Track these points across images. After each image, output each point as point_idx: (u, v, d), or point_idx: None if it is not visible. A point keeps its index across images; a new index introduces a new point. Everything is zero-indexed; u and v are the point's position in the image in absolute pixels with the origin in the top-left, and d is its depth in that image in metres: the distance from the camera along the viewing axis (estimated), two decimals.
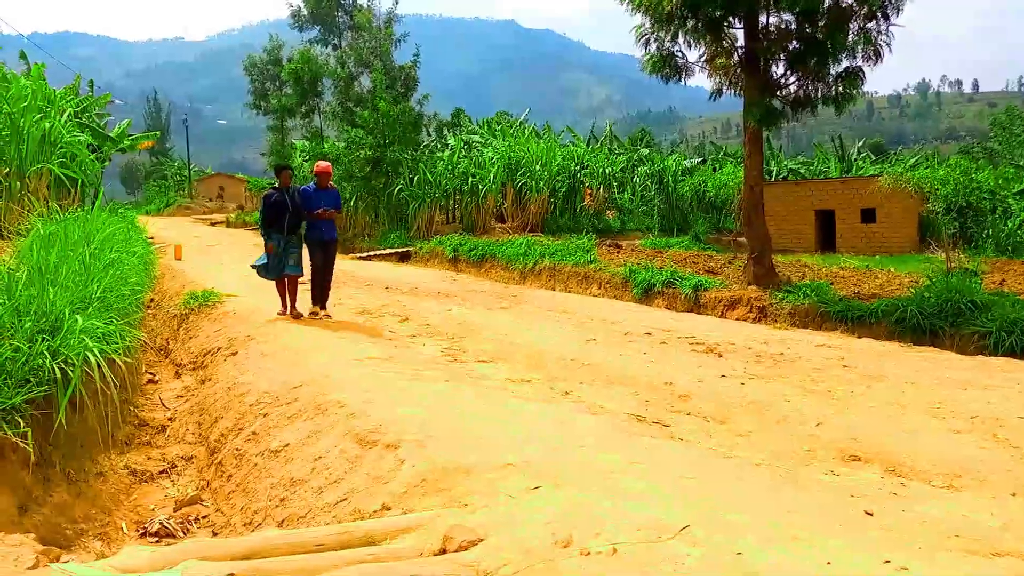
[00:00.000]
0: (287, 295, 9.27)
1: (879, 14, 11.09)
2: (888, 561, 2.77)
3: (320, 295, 9.33)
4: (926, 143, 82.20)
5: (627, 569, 2.65)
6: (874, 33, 11.21)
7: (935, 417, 5.56)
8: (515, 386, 6.37)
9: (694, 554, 2.75)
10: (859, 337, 9.38)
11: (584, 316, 10.73)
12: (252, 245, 23.77)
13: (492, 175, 23.52)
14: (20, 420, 3.91)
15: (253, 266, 9.33)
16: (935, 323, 9.07)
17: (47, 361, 4.30)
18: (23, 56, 25.92)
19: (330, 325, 8.95)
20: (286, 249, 9.07)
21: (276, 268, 9.11)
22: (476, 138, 29.10)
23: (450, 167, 24.07)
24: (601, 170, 27.09)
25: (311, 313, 9.21)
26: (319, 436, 4.81)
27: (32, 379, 4.19)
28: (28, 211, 9.81)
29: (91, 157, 15.56)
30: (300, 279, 9.38)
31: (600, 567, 2.67)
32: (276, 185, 9.37)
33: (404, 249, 21.08)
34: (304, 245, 9.26)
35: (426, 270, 18.33)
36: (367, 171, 23.72)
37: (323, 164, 9.45)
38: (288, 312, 9.22)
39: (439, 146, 27.55)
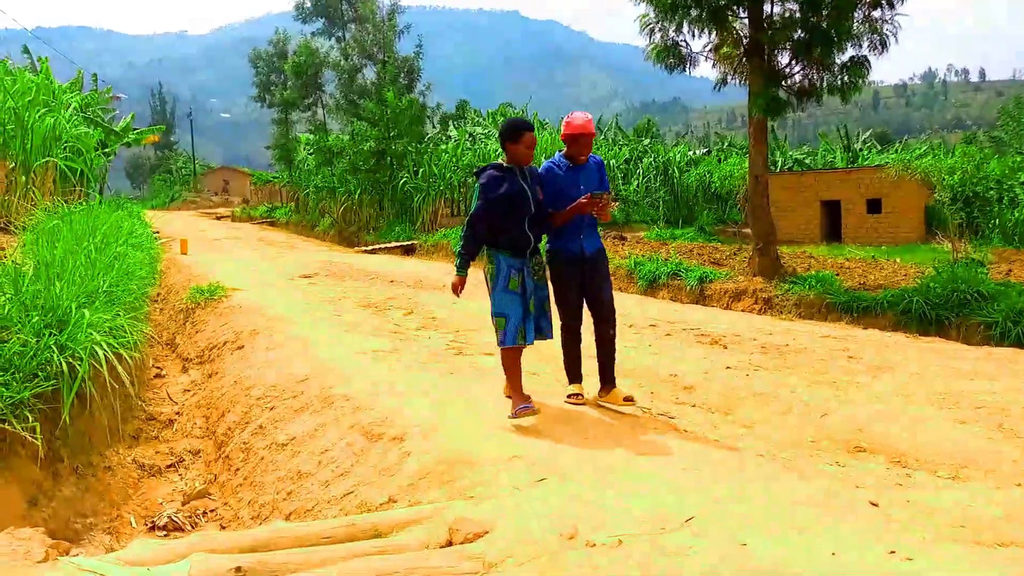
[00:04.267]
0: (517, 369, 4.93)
1: (884, 2, 11.02)
2: (893, 551, 2.78)
3: (609, 362, 5.25)
4: (932, 133, 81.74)
5: (632, 561, 2.66)
6: (879, 22, 11.15)
7: (941, 407, 5.55)
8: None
9: (699, 545, 2.75)
10: (865, 328, 9.36)
11: None
12: (257, 239, 23.89)
13: None
14: (28, 414, 3.94)
15: (495, 317, 4.92)
16: (941, 313, 9.05)
17: (54, 355, 4.32)
18: (26, 50, 26.03)
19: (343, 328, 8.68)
20: (535, 288, 4.89)
21: (525, 323, 4.81)
22: (479, 130, 29.05)
23: (454, 159, 24.02)
24: (605, 162, 26.99)
25: (601, 395, 5.26)
26: (325, 429, 4.83)
27: (40, 373, 4.21)
28: (34, 205, 9.83)
29: (96, 152, 15.57)
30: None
31: (605, 559, 2.68)
32: (502, 162, 4.82)
33: (409, 242, 21.04)
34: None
35: (431, 263, 18.32)
36: (372, 164, 23.73)
37: (579, 118, 4.97)
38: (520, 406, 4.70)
39: (443, 138, 27.51)
